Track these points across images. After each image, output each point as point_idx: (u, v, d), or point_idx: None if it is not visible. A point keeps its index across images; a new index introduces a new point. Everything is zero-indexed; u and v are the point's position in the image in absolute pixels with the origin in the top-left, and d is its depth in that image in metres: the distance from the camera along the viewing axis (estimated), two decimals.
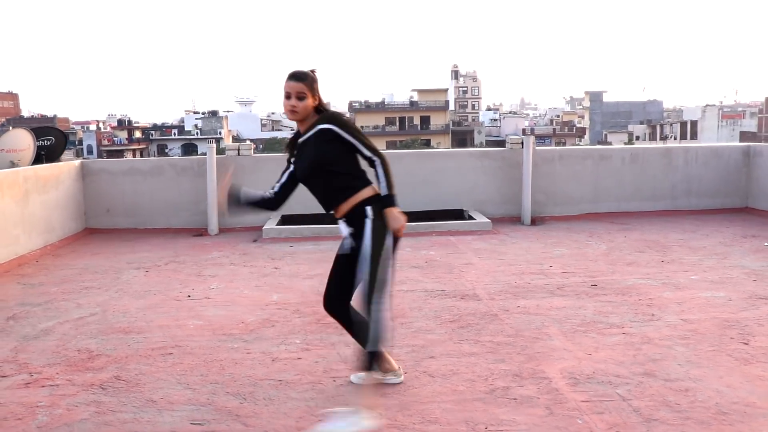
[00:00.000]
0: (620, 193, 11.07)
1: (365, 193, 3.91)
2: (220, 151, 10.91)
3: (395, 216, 3.83)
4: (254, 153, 10.98)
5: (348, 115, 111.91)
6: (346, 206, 3.92)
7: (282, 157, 11.64)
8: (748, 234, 9.06)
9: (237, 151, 10.71)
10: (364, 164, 3.96)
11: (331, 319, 5.54)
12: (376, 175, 3.89)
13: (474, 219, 10.10)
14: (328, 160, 3.88)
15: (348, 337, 5.13)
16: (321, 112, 3.94)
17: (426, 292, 6.44)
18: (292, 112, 3.88)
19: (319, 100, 3.93)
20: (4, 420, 3.83)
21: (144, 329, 5.48)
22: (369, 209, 3.85)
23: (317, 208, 11.30)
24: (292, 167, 4.09)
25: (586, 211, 10.94)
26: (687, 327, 5.23)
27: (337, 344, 4.97)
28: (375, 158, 3.88)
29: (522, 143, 10.78)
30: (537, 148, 10.93)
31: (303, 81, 3.84)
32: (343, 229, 3.99)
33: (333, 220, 10.55)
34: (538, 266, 7.45)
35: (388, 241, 3.84)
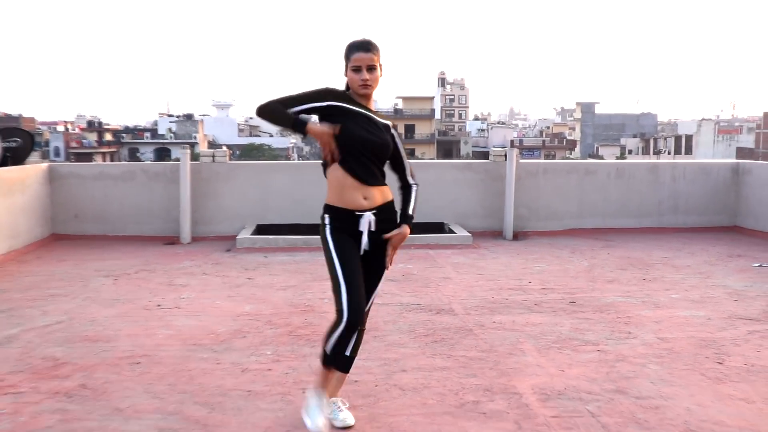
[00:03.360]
0: (605, 208, 11.30)
1: (390, 194, 3.99)
2: (195, 156, 11.05)
3: (405, 237, 3.95)
4: (229, 160, 11.13)
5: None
6: (381, 196, 3.88)
7: (255, 164, 11.82)
8: (734, 253, 9.31)
9: (212, 158, 10.85)
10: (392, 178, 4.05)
11: (303, 331, 5.77)
12: (407, 197, 4.03)
13: (454, 233, 10.29)
14: (388, 150, 3.91)
15: (319, 347, 5.31)
16: None
17: (401, 305, 6.62)
18: (365, 86, 3.78)
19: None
20: None
21: (112, 338, 5.62)
22: (397, 214, 3.98)
23: (293, 218, 11.45)
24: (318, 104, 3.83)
25: (570, 227, 11.16)
26: (663, 346, 5.43)
27: (309, 356, 5.13)
28: (415, 183, 4.09)
29: (505, 155, 11.00)
30: (521, 161, 11.16)
31: (373, 52, 3.76)
32: (367, 222, 3.85)
33: (308, 231, 10.59)
34: (517, 282, 7.65)
35: None
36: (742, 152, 64.61)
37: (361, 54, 3.73)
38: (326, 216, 3.87)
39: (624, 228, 11.22)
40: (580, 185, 11.31)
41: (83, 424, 3.99)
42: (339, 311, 3.71)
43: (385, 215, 3.89)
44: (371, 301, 4.00)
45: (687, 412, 4.16)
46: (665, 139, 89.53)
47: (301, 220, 10.56)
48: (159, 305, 6.65)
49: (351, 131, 3.75)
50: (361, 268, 3.83)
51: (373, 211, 3.83)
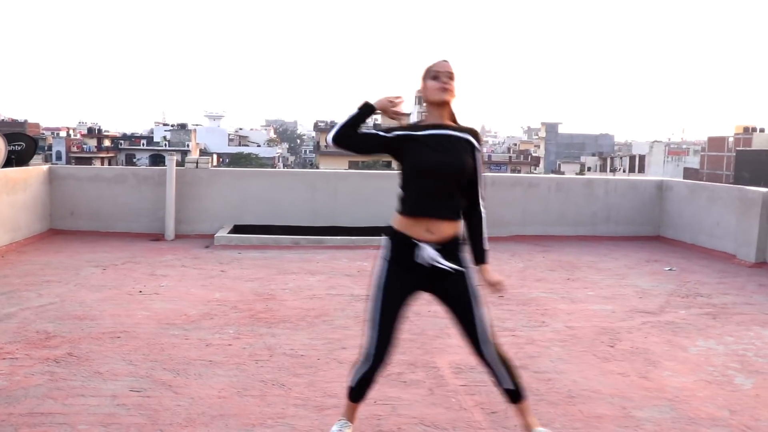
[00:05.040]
0: (546, 218, 11.81)
1: (461, 228, 3.48)
2: (182, 163, 11.46)
3: (496, 275, 3.54)
4: (217, 166, 11.53)
5: (313, 134, 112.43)
6: (452, 229, 3.40)
7: (234, 171, 12.13)
8: (651, 259, 9.85)
9: (195, 164, 11.27)
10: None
11: (263, 315, 6.22)
12: (472, 224, 3.52)
13: None
14: (464, 173, 3.39)
15: (275, 328, 5.78)
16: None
17: (352, 296, 7.08)
18: (445, 90, 3.37)
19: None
20: None
21: (97, 317, 6.04)
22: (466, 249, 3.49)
23: (267, 220, 11.79)
24: (385, 135, 3.56)
25: (514, 233, 11.65)
26: (569, 332, 5.93)
27: (265, 335, 5.59)
28: (483, 207, 3.53)
29: None
30: None
31: (452, 67, 3.41)
32: (427, 256, 3.35)
33: (280, 231, 10.94)
34: None
35: None
36: (688, 172, 65.76)
37: (441, 63, 3.40)
38: (386, 239, 3.52)
39: (561, 236, 11.72)
40: (524, 196, 11.81)
41: (68, 383, 4.42)
42: (364, 346, 3.53)
43: (451, 249, 3.40)
44: (484, 332, 3.61)
45: (572, 383, 4.67)
46: (621, 158, 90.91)
47: (273, 222, 11.00)
48: (140, 291, 7.06)
49: (416, 158, 3.37)
50: (400, 307, 3.56)
51: (438, 246, 3.34)
